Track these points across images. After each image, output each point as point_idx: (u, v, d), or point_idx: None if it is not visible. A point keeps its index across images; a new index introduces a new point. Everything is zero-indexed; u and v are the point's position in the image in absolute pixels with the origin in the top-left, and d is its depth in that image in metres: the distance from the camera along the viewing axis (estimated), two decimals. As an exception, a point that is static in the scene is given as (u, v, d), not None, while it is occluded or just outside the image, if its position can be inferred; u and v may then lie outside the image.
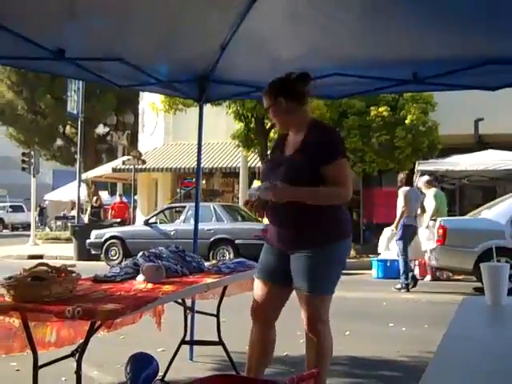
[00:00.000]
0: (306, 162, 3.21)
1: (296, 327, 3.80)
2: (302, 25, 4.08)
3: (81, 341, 3.12)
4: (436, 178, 13.09)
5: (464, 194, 18.62)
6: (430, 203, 11.00)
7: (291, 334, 4.82)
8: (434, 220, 10.63)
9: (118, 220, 19.25)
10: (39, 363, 2.97)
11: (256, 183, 15.49)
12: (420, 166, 12.32)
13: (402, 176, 10.37)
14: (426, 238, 10.71)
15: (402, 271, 9.85)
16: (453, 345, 1.84)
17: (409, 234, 9.95)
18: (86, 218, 21.21)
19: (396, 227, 10.04)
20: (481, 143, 16.24)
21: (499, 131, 16.09)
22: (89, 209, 21.46)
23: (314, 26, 4.06)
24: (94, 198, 22.48)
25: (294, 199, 3.18)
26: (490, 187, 15.84)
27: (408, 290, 9.68)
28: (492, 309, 2.40)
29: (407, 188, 10.13)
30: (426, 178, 11.48)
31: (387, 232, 11.56)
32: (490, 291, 2.44)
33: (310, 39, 4.24)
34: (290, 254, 3.30)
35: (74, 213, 24.51)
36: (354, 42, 4.21)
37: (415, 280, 10.01)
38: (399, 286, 9.80)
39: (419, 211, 10.69)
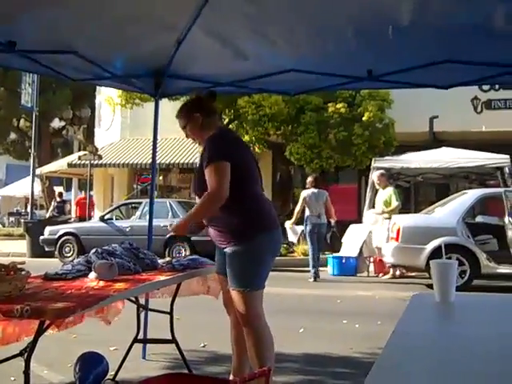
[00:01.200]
0: (201, 171, 3.46)
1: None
2: (259, 21, 4.09)
3: (26, 338, 3.05)
4: (391, 176, 13.28)
5: (418, 192, 18.96)
6: (393, 201, 11.17)
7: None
8: (389, 218, 10.79)
9: (73, 216, 19.00)
10: (-14, 363, 2.90)
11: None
12: (376, 163, 12.49)
13: (310, 179, 11.11)
14: (382, 236, 10.87)
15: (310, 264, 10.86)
16: (400, 340, 1.85)
17: (312, 230, 10.75)
18: (48, 214, 20.85)
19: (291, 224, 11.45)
20: (435, 141, 16.53)
21: (454, 129, 16.42)
22: (52, 203, 21.11)
23: (271, 22, 4.09)
24: (57, 192, 22.13)
25: (191, 223, 3.60)
26: (443, 185, 16.15)
27: (315, 280, 10.69)
28: (440, 305, 2.43)
29: (310, 190, 10.85)
30: (380, 172, 11.57)
31: (353, 229, 11.65)
32: (439, 288, 2.47)
33: (266, 36, 4.26)
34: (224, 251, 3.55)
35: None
36: (310, 38, 4.25)
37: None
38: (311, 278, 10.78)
39: (366, 208, 11.60)
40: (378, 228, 11.10)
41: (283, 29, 4.15)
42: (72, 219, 18.95)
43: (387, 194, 11.25)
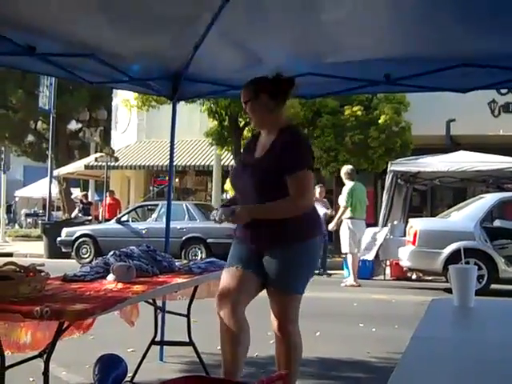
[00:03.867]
0: (273, 164, 3.22)
1: (266, 328, 3.80)
2: (276, 25, 4.11)
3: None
4: (408, 179, 13.21)
5: (435, 195, 18.87)
6: (341, 200, 10.89)
7: (261, 335, 4.82)
8: (353, 218, 10.63)
9: (90, 218, 19.09)
10: (7, 364, 2.93)
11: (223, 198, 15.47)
12: (392, 167, 12.40)
13: (318, 190, 11.68)
14: (350, 239, 10.73)
15: None
16: (420, 346, 1.85)
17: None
18: (73, 214, 20.95)
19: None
20: (453, 144, 16.44)
21: (471, 132, 16.31)
22: (78, 205, 21.22)
23: (289, 26, 4.10)
24: (82, 194, 22.25)
25: (255, 217, 3.24)
26: (460, 188, 16.04)
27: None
28: (459, 310, 2.42)
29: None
30: (346, 168, 11.27)
31: (370, 232, 11.55)
32: (458, 293, 2.47)
33: (284, 39, 4.28)
34: (263, 253, 3.31)
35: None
36: (327, 42, 4.25)
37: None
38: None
39: (383, 211, 11.72)
40: (344, 231, 10.89)
41: (301, 32, 4.15)
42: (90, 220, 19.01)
43: (343, 191, 10.94)
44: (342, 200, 10.80)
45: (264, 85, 3.37)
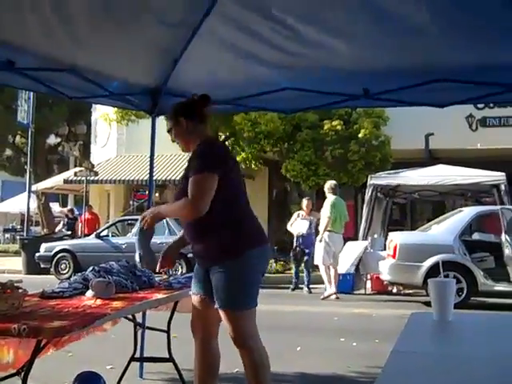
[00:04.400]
0: (186, 181, 3.30)
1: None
2: (253, 40, 4.16)
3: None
4: (388, 192, 13.29)
5: (415, 209, 18.98)
6: (325, 212, 10.96)
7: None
8: (331, 231, 10.75)
9: (69, 233, 18.89)
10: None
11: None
12: (372, 180, 12.49)
13: (305, 203, 11.91)
14: (324, 251, 10.80)
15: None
16: (399, 361, 1.85)
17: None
18: (57, 228, 20.70)
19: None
20: (431, 158, 16.58)
21: (449, 146, 16.47)
22: (62, 220, 20.95)
23: (266, 40, 4.15)
24: (67, 209, 22.00)
25: (164, 217, 3.56)
26: (439, 202, 16.16)
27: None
28: (439, 324, 2.43)
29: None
30: (330, 183, 11.37)
31: (350, 246, 11.63)
32: (437, 307, 2.48)
33: (261, 54, 4.31)
34: (209, 271, 3.37)
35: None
36: (304, 56, 4.28)
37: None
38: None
39: (363, 224, 12.10)
40: (318, 244, 11.00)
41: (277, 47, 4.19)
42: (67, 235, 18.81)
43: (325, 205, 11.06)
44: (326, 211, 10.86)
45: (180, 109, 3.51)
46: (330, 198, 11.00)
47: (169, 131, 3.52)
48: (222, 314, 3.29)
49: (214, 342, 3.54)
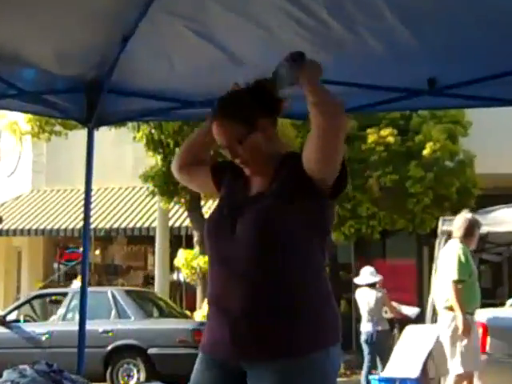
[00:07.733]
0: (281, 201, 2.34)
1: None
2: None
3: None
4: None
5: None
6: (452, 270, 6.47)
7: None
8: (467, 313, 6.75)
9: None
10: None
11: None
12: (446, 225, 9.05)
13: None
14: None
15: None
16: None
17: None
18: None
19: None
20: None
21: None
22: None
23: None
24: None
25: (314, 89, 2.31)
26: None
27: None
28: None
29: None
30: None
31: (412, 333, 8.32)
32: None
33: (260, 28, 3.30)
34: (244, 370, 2.28)
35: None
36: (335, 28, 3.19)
37: None
38: None
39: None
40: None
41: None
42: None
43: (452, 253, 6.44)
44: (453, 271, 6.11)
45: (257, 101, 2.41)
46: (456, 245, 6.39)
47: (229, 147, 2.39)
48: None
49: None
